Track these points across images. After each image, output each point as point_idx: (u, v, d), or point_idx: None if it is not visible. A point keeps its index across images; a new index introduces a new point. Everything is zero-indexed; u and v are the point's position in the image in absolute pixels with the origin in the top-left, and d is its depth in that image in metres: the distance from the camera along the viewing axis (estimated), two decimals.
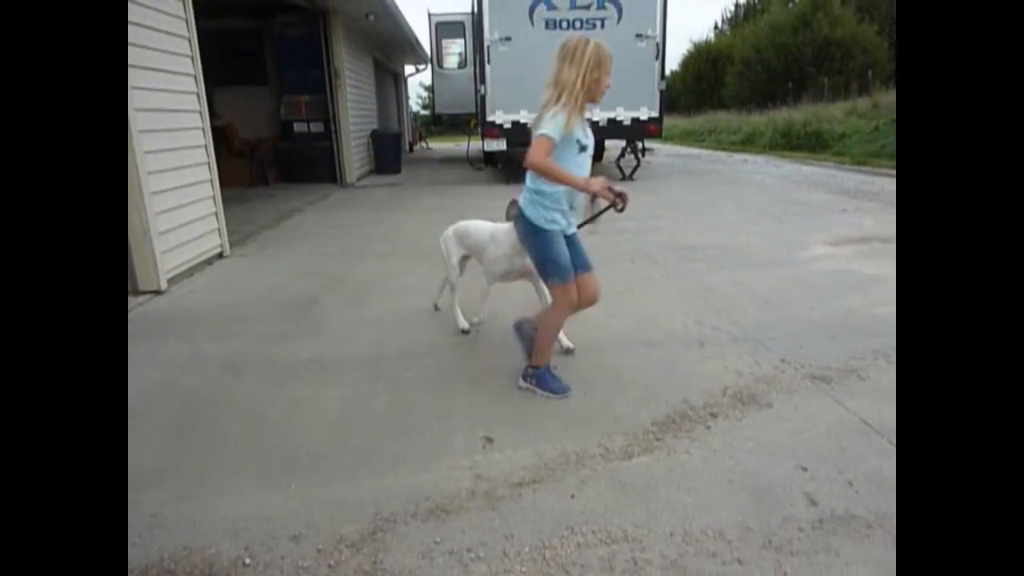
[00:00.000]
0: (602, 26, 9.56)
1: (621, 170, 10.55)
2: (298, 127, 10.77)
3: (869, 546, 1.77)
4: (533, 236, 2.60)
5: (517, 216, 2.67)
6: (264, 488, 2.09)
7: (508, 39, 9.42)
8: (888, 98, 17.02)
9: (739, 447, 2.26)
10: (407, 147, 19.62)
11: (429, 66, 15.06)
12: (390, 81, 17.95)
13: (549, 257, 2.56)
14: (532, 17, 9.45)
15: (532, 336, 2.76)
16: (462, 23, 13.49)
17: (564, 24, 9.51)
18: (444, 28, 13.99)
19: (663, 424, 2.44)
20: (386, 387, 2.82)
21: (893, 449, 2.22)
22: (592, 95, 2.45)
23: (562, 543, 1.80)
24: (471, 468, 2.19)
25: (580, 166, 2.51)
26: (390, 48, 15.21)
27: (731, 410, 2.53)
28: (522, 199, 2.62)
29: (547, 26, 9.49)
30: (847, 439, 2.30)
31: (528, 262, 2.82)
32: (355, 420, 2.54)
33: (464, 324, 3.49)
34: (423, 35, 14.58)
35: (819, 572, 1.67)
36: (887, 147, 12.24)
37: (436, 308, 3.88)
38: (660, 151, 17.60)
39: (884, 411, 2.49)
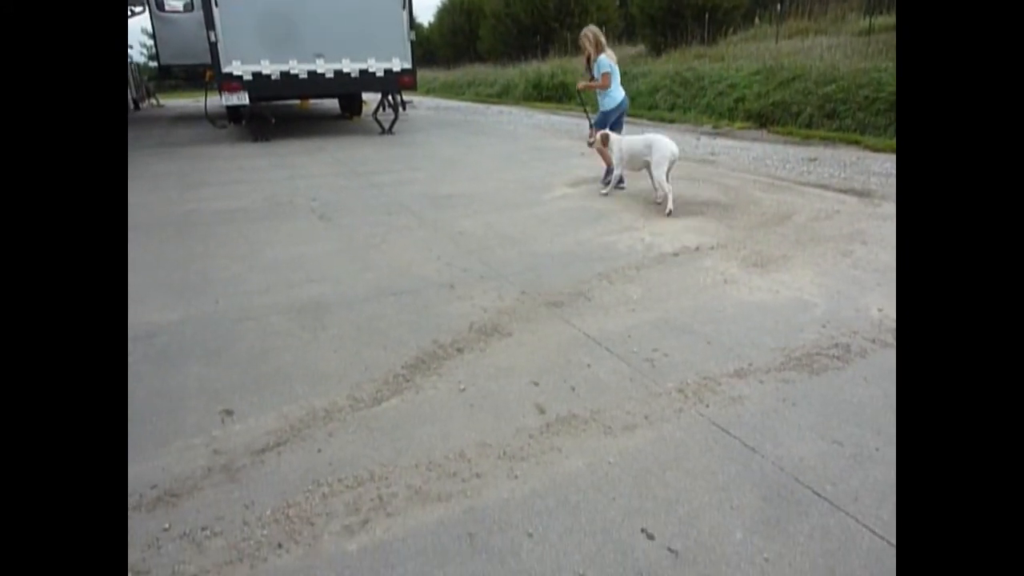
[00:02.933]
0: None
1: (380, 123, 10.31)
2: None
3: (586, 437, 2.04)
4: None
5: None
6: None
7: None
8: (621, 52, 19.06)
9: (481, 374, 2.43)
10: (130, 105, 16.86)
11: (146, 8, 12.93)
12: None
13: None
14: None
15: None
16: None
17: None
18: None
19: (412, 366, 2.51)
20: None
21: (608, 353, 2.57)
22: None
23: (307, 498, 1.77)
24: (207, 445, 2.03)
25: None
26: None
27: (476, 343, 2.69)
28: None
29: None
30: (572, 352, 2.60)
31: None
32: None
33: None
34: None
35: (544, 469, 1.88)
36: None
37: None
38: (421, 104, 17.58)
39: (604, 323, 2.86)
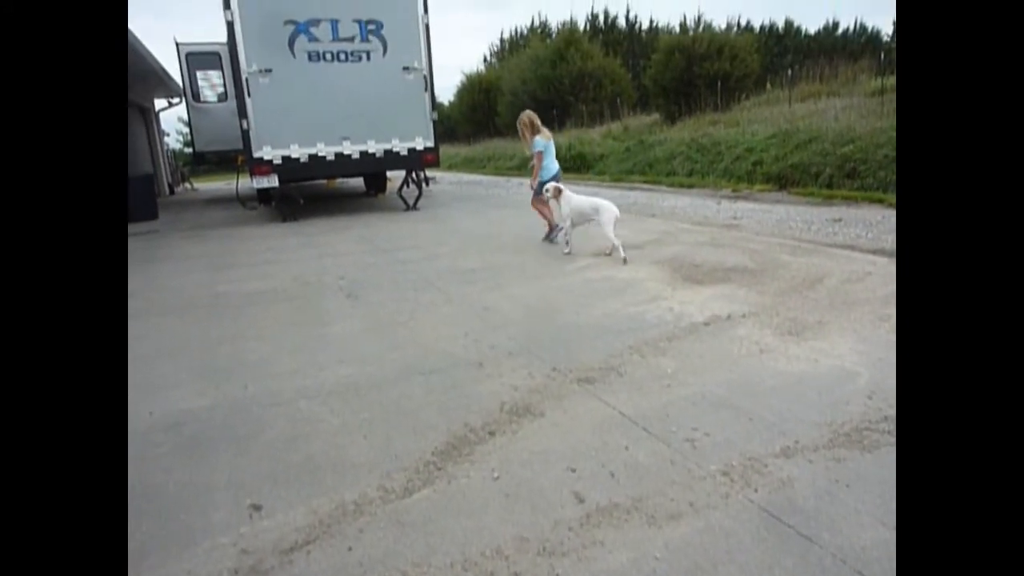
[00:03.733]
0: (368, 58, 9.57)
1: (404, 200, 10.58)
2: None
3: (629, 528, 1.92)
4: None
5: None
6: None
7: (269, 71, 8.98)
8: (636, 122, 19.60)
9: (515, 460, 2.34)
10: (166, 189, 17.66)
11: (183, 99, 13.76)
12: (137, 117, 16.03)
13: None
14: (293, 49, 9.12)
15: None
16: (217, 54, 12.56)
17: (328, 56, 9.33)
18: (196, 59, 12.92)
19: (443, 452, 2.43)
20: (131, 467, 2.43)
21: (645, 434, 2.47)
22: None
23: None
24: (235, 544, 1.96)
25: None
26: (132, 79, 13.59)
27: (508, 425, 2.62)
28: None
29: (310, 58, 9.23)
30: (609, 433, 2.51)
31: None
32: None
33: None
34: (173, 66, 13.31)
35: (587, 566, 1.77)
36: (638, 165, 14.01)
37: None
38: (443, 179, 18.09)
39: (639, 401, 2.77)
